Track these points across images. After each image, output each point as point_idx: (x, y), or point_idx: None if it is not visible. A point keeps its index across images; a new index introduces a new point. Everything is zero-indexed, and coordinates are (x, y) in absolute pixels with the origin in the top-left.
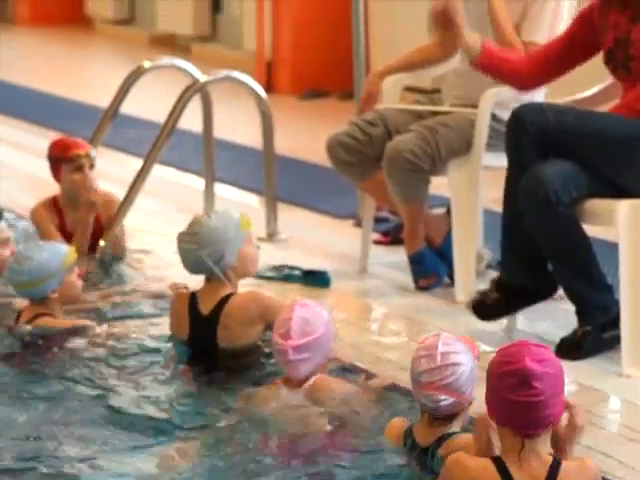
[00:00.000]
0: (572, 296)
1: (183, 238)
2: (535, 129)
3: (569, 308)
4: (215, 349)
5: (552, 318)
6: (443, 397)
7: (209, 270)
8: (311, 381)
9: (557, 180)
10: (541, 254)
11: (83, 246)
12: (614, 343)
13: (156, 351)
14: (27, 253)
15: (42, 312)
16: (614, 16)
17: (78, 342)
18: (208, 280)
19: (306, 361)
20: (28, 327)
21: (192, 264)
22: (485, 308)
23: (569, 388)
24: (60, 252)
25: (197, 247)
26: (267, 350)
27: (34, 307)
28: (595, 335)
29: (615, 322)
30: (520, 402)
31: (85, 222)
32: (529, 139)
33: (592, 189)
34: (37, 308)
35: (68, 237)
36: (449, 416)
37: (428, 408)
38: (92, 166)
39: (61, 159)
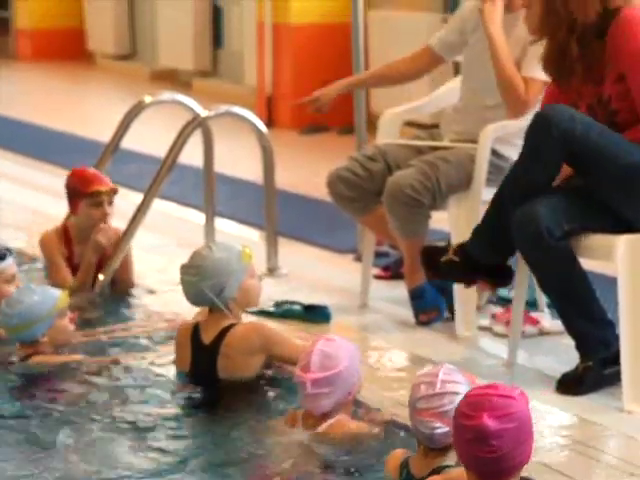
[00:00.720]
0: (572, 331)
1: (185, 270)
2: (560, 134)
3: (570, 343)
4: (216, 379)
5: (553, 353)
6: (438, 425)
7: (211, 302)
8: (330, 422)
9: (548, 215)
10: (511, 247)
11: (84, 284)
12: (615, 379)
13: (156, 383)
14: (18, 296)
15: (33, 352)
16: (576, 87)
17: (71, 378)
18: (211, 311)
19: (325, 396)
20: (16, 365)
21: (194, 296)
22: (435, 262)
23: (569, 422)
24: (51, 296)
25: (199, 279)
26: (268, 382)
27: (25, 348)
28: (596, 371)
29: (616, 358)
30: (479, 456)
31: (89, 262)
32: (553, 141)
33: (586, 221)
34: (28, 349)
35: (74, 269)
36: (444, 448)
37: (423, 437)
38: (111, 202)
39: (81, 193)
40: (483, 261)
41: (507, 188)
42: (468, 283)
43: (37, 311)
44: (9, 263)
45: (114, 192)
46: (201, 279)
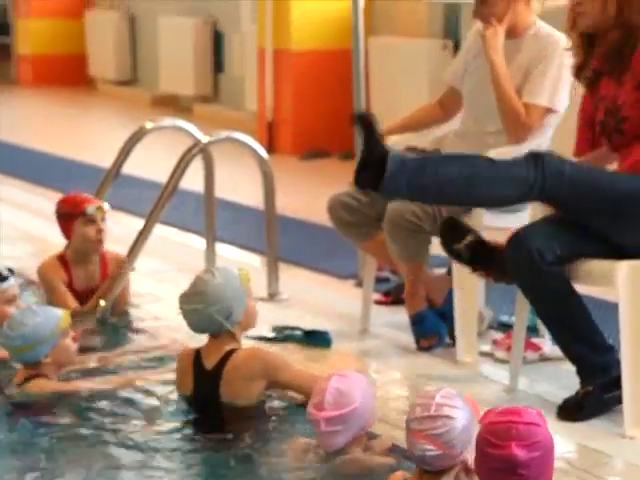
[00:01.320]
0: (570, 357)
1: (188, 299)
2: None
3: (571, 369)
4: (218, 405)
5: (554, 379)
6: (430, 447)
7: (217, 327)
8: (343, 458)
9: (538, 238)
10: None
11: (94, 309)
12: (616, 404)
13: (156, 408)
14: (21, 318)
15: (35, 374)
16: (604, 86)
17: (71, 402)
18: (212, 337)
19: (339, 434)
20: (15, 391)
21: (199, 323)
22: (451, 240)
23: (570, 449)
24: (54, 317)
25: (205, 305)
26: (269, 409)
27: (28, 370)
28: (596, 396)
29: (617, 382)
30: None
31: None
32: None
33: (581, 247)
34: (30, 371)
35: (75, 295)
36: (439, 472)
37: (415, 458)
38: (103, 219)
39: (73, 214)
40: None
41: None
42: (473, 270)
43: (41, 332)
44: (11, 284)
45: (104, 209)
46: (208, 305)
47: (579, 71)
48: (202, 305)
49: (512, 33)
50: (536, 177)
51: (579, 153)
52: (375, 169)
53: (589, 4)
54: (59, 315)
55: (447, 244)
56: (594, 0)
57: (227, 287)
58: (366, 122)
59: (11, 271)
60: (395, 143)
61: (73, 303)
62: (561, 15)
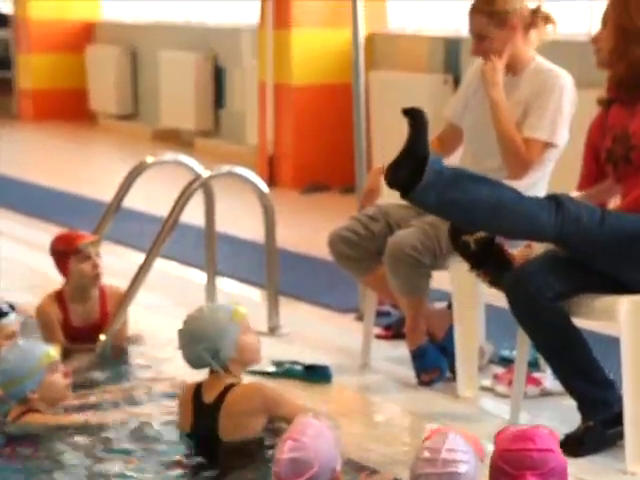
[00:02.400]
0: (571, 392)
1: (180, 335)
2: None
3: (572, 404)
4: (216, 439)
5: (555, 414)
6: None
7: (208, 364)
8: None
9: (538, 275)
10: None
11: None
12: (617, 440)
13: (155, 443)
14: (5, 354)
15: (27, 409)
16: (613, 114)
17: (67, 438)
18: (211, 372)
19: None
20: (10, 426)
21: (192, 359)
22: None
23: None
24: (36, 352)
25: (193, 343)
26: (267, 445)
27: (20, 406)
28: (598, 431)
29: (619, 418)
30: None
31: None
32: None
33: (581, 282)
34: (22, 407)
35: (73, 331)
36: None
37: None
38: (97, 254)
39: (68, 252)
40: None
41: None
42: (473, 266)
43: (22, 368)
44: (11, 320)
45: (98, 242)
46: (195, 342)
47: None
48: (191, 343)
49: (511, 68)
50: (556, 223)
51: (582, 187)
52: (412, 170)
53: (603, 41)
54: (43, 351)
55: (457, 234)
56: (606, 37)
57: (212, 325)
58: (418, 117)
59: (12, 307)
60: None
61: (62, 339)
62: (558, 49)
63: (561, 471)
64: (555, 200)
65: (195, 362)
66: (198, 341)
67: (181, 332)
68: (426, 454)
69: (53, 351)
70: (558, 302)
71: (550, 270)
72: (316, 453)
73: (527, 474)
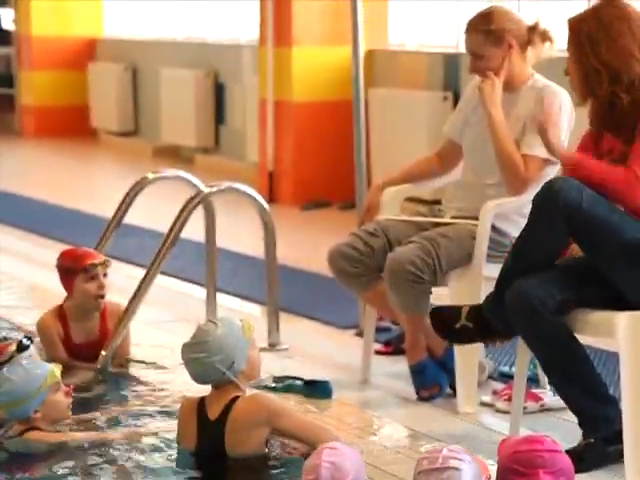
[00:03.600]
0: (572, 407)
1: (191, 349)
2: (566, 205)
3: (572, 420)
4: (223, 455)
5: (555, 430)
6: None
7: (220, 377)
8: None
9: (538, 287)
10: None
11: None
12: (619, 457)
13: (158, 461)
14: (8, 374)
15: (29, 428)
16: (607, 142)
17: (69, 456)
18: (216, 387)
19: None
20: (11, 443)
21: (202, 373)
22: (448, 328)
23: None
24: (41, 373)
25: (207, 355)
26: (272, 460)
27: (22, 424)
28: (599, 448)
29: (621, 435)
30: None
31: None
32: (558, 211)
33: (581, 293)
34: (24, 425)
35: (73, 348)
36: None
37: None
38: (105, 275)
39: (75, 270)
40: (498, 326)
41: (511, 261)
42: (485, 342)
43: (27, 388)
44: (31, 352)
45: (107, 264)
46: (210, 355)
47: None
48: (205, 355)
49: (509, 86)
50: None
51: None
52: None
53: (571, 75)
54: (47, 370)
55: (446, 331)
56: (572, 72)
57: (229, 337)
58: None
59: (30, 339)
60: (394, 193)
61: (65, 356)
62: (554, 66)
63: (569, 472)
64: None
65: (207, 375)
66: (214, 353)
67: (193, 345)
68: (427, 454)
69: (57, 371)
70: (560, 314)
71: (550, 280)
72: (351, 463)
73: (540, 472)
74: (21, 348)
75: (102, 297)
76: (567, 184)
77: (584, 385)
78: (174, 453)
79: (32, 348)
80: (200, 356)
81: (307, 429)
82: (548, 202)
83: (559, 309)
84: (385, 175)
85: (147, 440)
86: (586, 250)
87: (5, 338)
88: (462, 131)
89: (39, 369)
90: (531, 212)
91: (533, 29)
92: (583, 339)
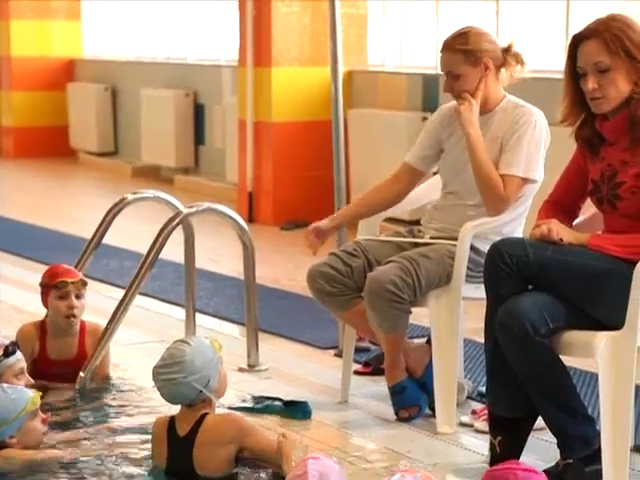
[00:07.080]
0: (553, 427)
1: (165, 369)
2: (514, 262)
3: (551, 440)
4: (193, 474)
5: (534, 450)
6: None
7: (196, 396)
8: None
9: (533, 311)
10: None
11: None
12: (598, 477)
13: (134, 476)
14: None
15: (2, 447)
16: (609, 153)
17: (44, 473)
18: (188, 406)
19: None
20: None
21: (178, 394)
22: (502, 456)
23: None
24: (20, 399)
25: (185, 375)
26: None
27: None
28: (576, 468)
29: (599, 455)
30: None
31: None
32: (508, 272)
33: (569, 320)
34: None
35: (48, 363)
36: None
37: None
38: (79, 296)
39: (48, 285)
40: (518, 413)
41: (488, 335)
42: (524, 439)
43: (5, 414)
44: (18, 357)
45: (83, 284)
46: (187, 374)
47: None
48: (182, 375)
49: (484, 107)
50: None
51: (548, 208)
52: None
53: (609, 88)
54: (27, 397)
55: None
56: (611, 84)
57: (204, 355)
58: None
59: (17, 345)
60: (370, 218)
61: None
62: (526, 86)
63: None
64: None
65: (183, 395)
66: (192, 372)
67: (167, 366)
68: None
69: (37, 397)
70: (548, 338)
71: (543, 306)
72: (334, 474)
73: None
74: (8, 353)
75: (73, 317)
76: (507, 243)
77: (566, 406)
78: (148, 472)
79: (18, 353)
80: (177, 377)
81: (271, 447)
82: (498, 267)
83: (549, 334)
84: (363, 193)
85: (122, 457)
86: (550, 290)
87: None
88: (432, 161)
89: (18, 395)
90: (485, 282)
91: (507, 51)
92: (565, 359)
